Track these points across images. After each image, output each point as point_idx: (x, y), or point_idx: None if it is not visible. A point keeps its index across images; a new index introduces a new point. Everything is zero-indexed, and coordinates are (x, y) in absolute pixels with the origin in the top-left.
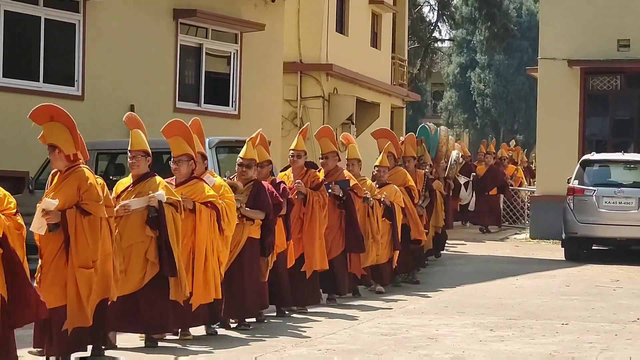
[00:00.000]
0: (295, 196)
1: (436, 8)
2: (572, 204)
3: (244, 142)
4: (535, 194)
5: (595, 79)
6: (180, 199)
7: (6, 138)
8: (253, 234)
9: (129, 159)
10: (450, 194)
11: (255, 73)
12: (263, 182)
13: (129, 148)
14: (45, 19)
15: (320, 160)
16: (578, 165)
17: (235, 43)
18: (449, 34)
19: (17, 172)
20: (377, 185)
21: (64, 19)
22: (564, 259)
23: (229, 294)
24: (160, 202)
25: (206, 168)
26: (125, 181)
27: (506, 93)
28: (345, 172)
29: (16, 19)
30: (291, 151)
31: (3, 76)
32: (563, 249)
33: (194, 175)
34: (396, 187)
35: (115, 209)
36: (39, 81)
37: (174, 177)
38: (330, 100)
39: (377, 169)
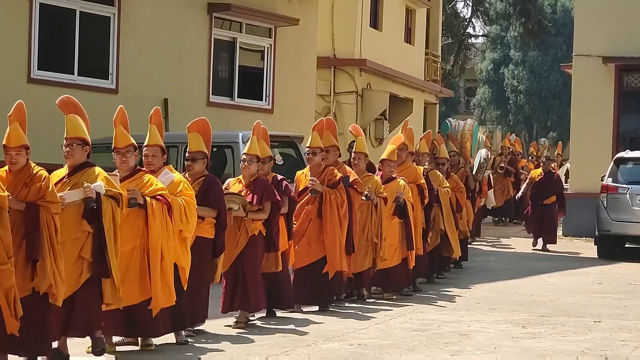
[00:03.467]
0: (308, 193)
1: (470, 4)
2: (605, 202)
3: (277, 137)
4: (569, 192)
5: (630, 76)
6: (121, 191)
7: (42, 131)
8: (204, 233)
9: (63, 147)
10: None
11: (288, 68)
12: (261, 178)
13: (64, 135)
14: (80, 12)
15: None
16: (612, 162)
17: (269, 37)
18: (483, 30)
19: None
20: (382, 181)
21: (98, 12)
22: (597, 256)
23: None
24: (98, 194)
25: (165, 163)
26: (60, 172)
27: (540, 90)
28: (347, 167)
29: (51, 12)
30: (307, 148)
31: (38, 69)
32: (596, 246)
33: (139, 168)
34: (404, 182)
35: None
36: (73, 74)
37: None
38: (363, 95)
39: (383, 162)
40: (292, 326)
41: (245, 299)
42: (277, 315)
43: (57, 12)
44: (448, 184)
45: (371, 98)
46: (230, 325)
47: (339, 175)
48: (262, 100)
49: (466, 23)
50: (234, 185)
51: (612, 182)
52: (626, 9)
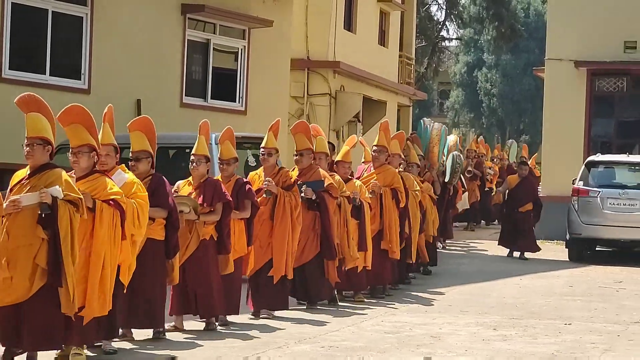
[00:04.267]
0: (263, 195)
1: (444, 7)
2: (576, 205)
3: (250, 138)
4: (541, 195)
5: (601, 80)
6: (81, 196)
7: (12, 130)
8: (154, 234)
9: (24, 147)
10: (449, 199)
11: (262, 69)
12: (213, 178)
13: (26, 135)
14: (52, 11)
15: (295, 157)
16: (583, 166)
17: (243, 39)
18: (457, 33)
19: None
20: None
21: (71, 12)
22: (568, 259)
23: (133, 302)
24: (55, 198)
25: (117, 162)
26: (21, 173)
27: (512, 93)
28: (321, 172)
29: (23, 11)
30: (262, 149)
31: (9, 69)
32: (567, 249)
33: (97, 169)
34: (359, 182)
35: (4, 205)
36: (45, 74)
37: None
38: (337, 97)
39: (338, 164)
40: (263, 328)
41: (196, 304)
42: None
43: (29, 11)
44: (419, 187)
45: (345, 100)
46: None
47: (294, 177)
48: (235, 101)
49: (440, 26)
50: (183, 187)
51: (584, 185)
52: (598, 13)
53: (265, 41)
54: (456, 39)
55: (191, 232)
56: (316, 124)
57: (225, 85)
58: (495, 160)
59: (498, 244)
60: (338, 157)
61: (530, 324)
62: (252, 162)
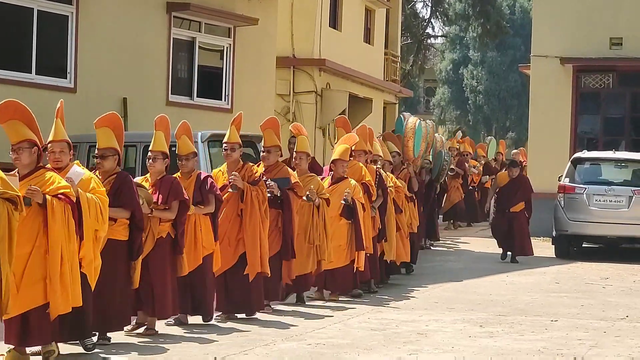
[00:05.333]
0: (229, 190)
1: (429, 4)
2: (562, 202)
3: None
4: None
5: (587, 77)
6: (19, 193)
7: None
8: (116, 235)
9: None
10: (435, 198)
11: (248, 67)
12: (169, 176)
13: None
14: (37, 10)
15: (262, 154)
16: (569, 163)
17: (229, 37)
18: (442, 31)
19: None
20: (331, 181)
21: (56, 10)
22: (554, 256)
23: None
24: None
25: (71, 158)
26: None
27: (498, 90)
28: (288, 170)
29: (8, 10)
30: (224, 144)
31: None
32: (553, 246)
33: (41, 165)
34: (354, 182)
35: None
36: (31, 73)
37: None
38: (322, 95)
39: (335, 162)
40: (250, 326)
41: (152, 305)
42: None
43: (14, 10)
44: (392, 183)
45: (330, 98)
46: (141, 333)
47: (260, 172)
48: (221, 99)
49: (425, 23)
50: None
51: (570, 182)
52: (584, 10)
53: (251, 39)
54: (442, 36)
55: (146, 231)
56: (298, 123)
57: (211, 84)
58: (479, 159)
59: (499, 247)
60: (335, 156)
61: (517, 320)
62: None
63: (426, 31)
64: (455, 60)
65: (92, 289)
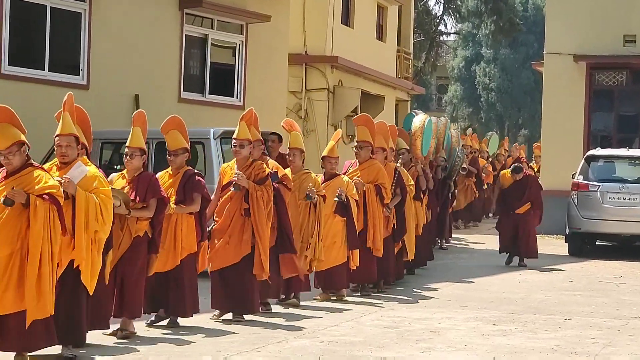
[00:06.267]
0: (231, 189)
1: (442, 1)
2: (576, 200)
3: None
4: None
5: (600, 74)
6: None
7: None
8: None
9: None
10: (449, 197)
11: (260, 64)
12: (146, 172)
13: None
14: (51, 7)
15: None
16: (583, 160)
17: (241, 34)
18: (455, 28)
19: None
20: (324, 178)
21: (69, 7)
22: (568, 254)
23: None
24: None
25: (79, 153)
26: None
27: (511, 87)
28: (271, 162)
29: (22, 7)
30: (234, 140)
31: (9, 64)
32: (567, 244)
33: (30, 163)
34: (347, 178)
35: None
36: (44, 70)
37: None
38: (335, 92)
39: (324, 159)
40: (262, 323)
41: (124, 304)
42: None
43: (28, 7)
44: (412, 182)
45: (343, 95)
46: (114, 334)
47: (268, 170)
48: (233, 96)
49: (438, 20)
50: (117, 181)
51: (583, 179)
52: (597, 7)
53: (263, 36)
54: (454, 33)
55: (123, 229)
56: (290, 119)
57: (223, 81)
58: (482, 154)
59: (500, 252)
60: (324, 153)
61: (530, 319)
62: None
63: (438, 28)
64: (467, 57)
65: (91, 293)
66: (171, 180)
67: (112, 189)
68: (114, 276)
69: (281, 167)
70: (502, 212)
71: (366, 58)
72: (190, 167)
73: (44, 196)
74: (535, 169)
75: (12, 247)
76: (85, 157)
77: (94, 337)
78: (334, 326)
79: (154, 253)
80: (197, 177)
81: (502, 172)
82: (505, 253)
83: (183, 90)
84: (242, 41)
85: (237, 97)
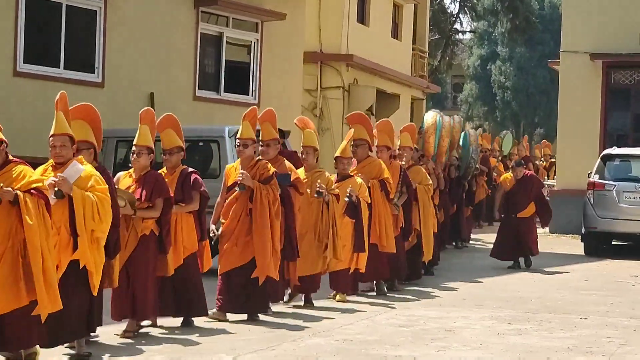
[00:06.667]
0: (236, 189)
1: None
2: (592, 199)
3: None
4: (555, 188)
5: (617, 73)
6: None
7: (27, 124)
8: None
9: None
10: (464, 197)
11: (275, 62)
12: (153, 172)
13: None
14: (66, 5)
15: (261, 148)
16: (599, 159)
17: (256, 32)
18: (470, 26)
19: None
20: (337, 178)
21: (85, 5)
22: (583, 253)
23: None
24: None
25: (74, 153)
26: None
27: (527, 86)
28: (287, 164)
29: (37, 5)
30: (237, 140)
31: (24, 62)
32: (582, 243)
33: (11, 159)
34: (360, 180)
35: None
36: (59, 68)
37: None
38: (350, 90)
39: (337, 160)
40: (277, 321)
41: (133, 305)
42: (194, 324)
43: (43, 5)
44: (430, 182)
45: (358, 93)
46: (118, 334)
47: (273, 169)
48: (248, 94)
49: (453, 19)
50: (124, 179)
51: (599, 178)
52: (614, 5)
53: (278, 34)
54: (470, 31)
55: (129, 229)
56: (304, 117)
57: (239, 79)
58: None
59: (490, 255)
60: (337, 153)
61: (546, 318)
62: None
63: (454, 27)
64: (483, 56)
65: (94, 293)
66: (167, 179)
67: (117, 189)
68: (124, 277)
69: (295, 169)
70: (504, 217)
71: (381, 56)
72: (186, 166)
73: (32, 191)
74: (543, 167)
75: (3, 245)
76: (81, 156)
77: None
78: (349, 325)
79: (164, 253)
80: (195, 176)
81: (503, 176)
82: (495, 258)
83: (198, 89)
84: (258, 39)
85: (252, 96)
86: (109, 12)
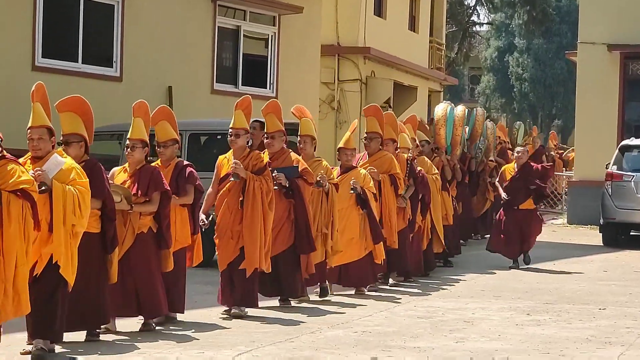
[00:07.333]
0: (230, 179)
1: None
2: (610, 190)
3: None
4: (573, 179)
5: (635, 63)
6: None
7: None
8: (88, 227)
9: None
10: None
11: (292, 55)
12: (149, 165)
13: None
14: (84, 0)
15: (265, 140)
16: (617, 150)
17: (273, 25)
18: (488, 18)
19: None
20: (340, 170)
21: (102, 0)
22: (602, 244)
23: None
24: None
25: (53, 146)
26: None
27: (544, 77)
28: (293, 156)
29: (55, 0)
30: (230, 130)
31: (42, 57)
32: (601, 234)
33: (4, 155)
34: (364, 171)
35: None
36: (77, 62)
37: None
38: (367, 83)
39: (340, 151)
40: (296, 314)
41: (138, 304)
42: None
43: (61, 0)
44: (437, 171)
45: (375, 86)
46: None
47: (266, 160)
48: (266, 87)
49: (470, 11)
50: (118, 174)
51: (617, 169)
52: None
53: (296, 27)
54: (487, 23)
55: (126, 225)
56: (300, 105)
57: (256, 72)
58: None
59: (486, 249)
60: (340, 144)
61: (564, 308)
62: None
63: (471, 19)
64: (500, 47)
65: (70, 289)
66: (162, 172)
67: (111, 184)
68: (119, 274)
69: (301, 160)
70: (505, 209)
71: (399, 49)
72: (181, 159)
73: (18, 193)
74: (558, 158)
75: None
76: (60, 149)
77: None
78: (368, 316)
79: (165, 248)
80: (189, 169)
81: (503, 167)
82: (490, 252)
83: (216, 82)
84: (275, 32)
85: (269, 89)
86: (126, 6)
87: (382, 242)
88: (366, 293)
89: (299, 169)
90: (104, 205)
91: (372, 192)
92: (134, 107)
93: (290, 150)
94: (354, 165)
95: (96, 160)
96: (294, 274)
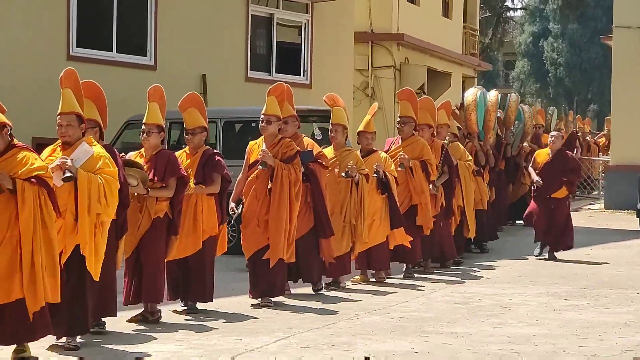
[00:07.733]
0: (258, 167)
1: None
2: None
3: (315, 111)
4: (610, 164)
5: None
6: None
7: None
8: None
9: None
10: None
11: (326, 43)
12: (165, 151)
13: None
14: None
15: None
16: None
17: (306, 13)
18: (522, 3)
19: None
20: (361, 154)
21: None
22: (639, 229)
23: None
24: None
25: (84, 134)
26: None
27: (580, 62)
28: (307, 140)
29: None
30: (262, 116)
31: (77, 46)
32: (638, 219)
33: (15, 144)
34: (384, 154)
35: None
36: (112, 51)
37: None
38: (401, 69)
39: (360, 134)
40: (333, 300)
41: (143, 289)
42: (198, 309)
43: None
44: (470, 157)
45: (409, 72)
46: (136, 320)
47: (297, 148)
48: (300, 75)
49: None
50: (135, 159)
51: None
52: None
53: (329, 15)
54: (521, 8)
55: (142, 211)
56: (333, 94)
57: (290, 59)
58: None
59: (535, 242)
60: (360, 128)
61: (602, 293)
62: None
63: (505, 4)
64: (535, 32)
65: (97, 280)
66: (189, 160)
67: (130, 166)
68: (134, 260)
69: (315, 144)
70: (535, 198)
71: (432, 35)
72: (209, 147)
73: (32, 180)
74: (594, 143)
75: (1, 235)
76: (90, 137)
77: (112, 323)
78: (405, 302)
79: (173, 235)
80: (217, 157)
81: (535, 152)
82: (527, 224)
83: (250, 70)
84: (308, 20)
85: (303, 76)
86: None
87: (402, 228)
88: (385, 280)
89: (314, 153)
90: (119, 191)
91: (394, 176)
92: (149, 92)
93: (304, 134)
94: (375, 148)
95: (111, 147)
96: (313, 258)
